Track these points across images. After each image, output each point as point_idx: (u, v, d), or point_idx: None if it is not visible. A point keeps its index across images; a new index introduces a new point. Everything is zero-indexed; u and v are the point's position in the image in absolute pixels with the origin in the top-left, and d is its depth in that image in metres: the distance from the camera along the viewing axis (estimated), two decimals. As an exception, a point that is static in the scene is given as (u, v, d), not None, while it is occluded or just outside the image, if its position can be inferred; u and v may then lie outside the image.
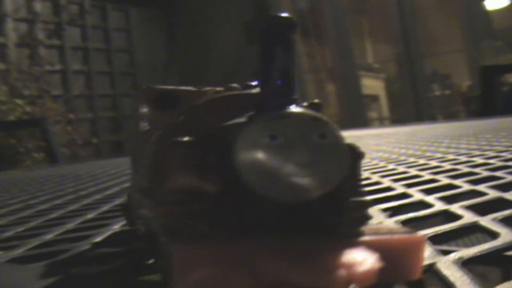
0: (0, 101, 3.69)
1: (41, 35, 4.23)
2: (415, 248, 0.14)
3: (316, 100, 0.17)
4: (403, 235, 0.14)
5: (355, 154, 0.15)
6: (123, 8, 4.87)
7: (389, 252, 0.14)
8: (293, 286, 0.12)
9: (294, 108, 0.14)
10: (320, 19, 5.00)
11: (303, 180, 0.13)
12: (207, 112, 0.16)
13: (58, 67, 4.34)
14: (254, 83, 0.21)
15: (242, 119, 0.14)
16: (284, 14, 0.15)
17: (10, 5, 4.01)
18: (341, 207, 0.15)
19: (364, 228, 0.15)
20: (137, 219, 0.23)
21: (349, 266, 0.12)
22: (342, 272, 0.12)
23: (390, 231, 0.15)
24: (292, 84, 0.15)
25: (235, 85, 0.22)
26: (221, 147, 0.14)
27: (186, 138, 0.14)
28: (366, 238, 0.14)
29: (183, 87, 0.24)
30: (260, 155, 0.13)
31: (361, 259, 0.12)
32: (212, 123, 0.16)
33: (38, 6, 4.21)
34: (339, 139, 0.14)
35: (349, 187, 0.15)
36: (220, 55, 4.78)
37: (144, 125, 0.24)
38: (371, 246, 0.13)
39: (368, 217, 0.16)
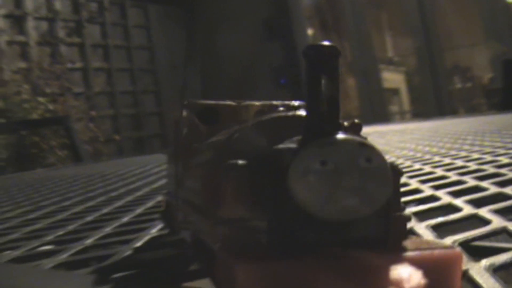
0: (23, 99, 3.75)
1: (61, 33, 4.28)
2: (454, 262, 0.15)
3: (356, 121, 0.18)
4: (443, 251, 0.15)
5: (396, 173, 0.17)
6: (142, 5, 4.90)
7: (431, 267, 0.15)
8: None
9: (341, 135, 0.15)
10: (339, 13, 4.98)
11: (353, 202, 0.15)
12: (257, 134, 0.18)
13: (79, 64, 4.38)
14: (296, 104, 0.22)
15: (292, 144, 0.16)
16: (329, 44, 0.16)
17: (30, 4, 4.06)
18: (387, 223, 0.16)
19: (407, 243, 0.16)
20: (181, 228, 0.24)
21: (398, 282, 0.13)
22: (392, 290, 0.13)
23: (430, 246, 0.16)
24: (337, 109, 0.16)
25: (276, 102, 0.23)
26: (274, 171, 0.15)
27: (240, 162, 0.16)
28: (410, 254, 0.15)
29: (224, 102, 0.25)
30: (312, 180, 0.14)
31: (408, 275, 0.13)
32: (261, 144, 0.17)
33: (58, 5, 4.26)
34: (384, 161, 0.15)
35: (392, 203, 0.16)
36: (238, 52, 4.79)
37: (187, 138, 0.25)
38: (415, 262, 0.14)
39: (409, 231, 0.17)
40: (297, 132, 0.17)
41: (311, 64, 0.16)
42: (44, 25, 4.19)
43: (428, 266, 0.15)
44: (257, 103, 0.24)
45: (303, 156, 0.15)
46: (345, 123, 0.18)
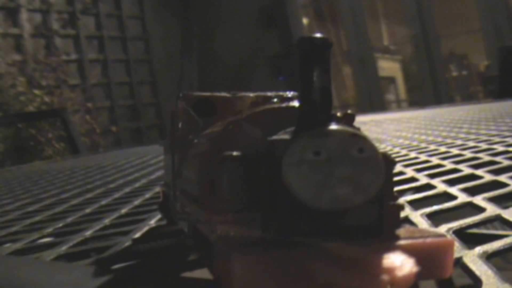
0: (19, 92, 3.74)
1: (55, 25, 4.26)
2: (446, 250, 0.16)
3: (349, 111, 0.19)
4: (435, 239, 0.16)
5: (389, 162, 0.17)
6: (136, -4, 4.88)
7: (423, 255, 0.15)
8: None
9: (333, 125, 0.15)
10: (335, 2, 4.97)
11: (346, 191, 0.15)
12: (251, 125, 0.18)
13: (74, 56, 4.37)
14: (290, 94, 0.22)
15: (286, 136, 0.16)
16: (320, 35, 0.16)
17: (23, -4, 4.05)
18: (380, 211, 0.16)
19: (400, 231, 0.16)
20: (179, 218, 0.24)
21: (390, 270, 0.13)
22: (385, 277, 0.13)
23: (423, 235, 0.16)
24: (329, 100, 0.16)
25: (270, 94, 0.23)
26: (268, 162, 0.15)
27: (235, 153, 0.16)
28: (402, 242, 0.15)
29: (219, 94, 0.26)
30: (306, 170, 0.15)
31: (400, 263, 0.14)
32: (256, 136, 0.18)
33: (51, -4, 4.25)
34: (376, 151, 0.16)
35: (385, 192, 0.16)
36: (235, 42, 4.78)
37: (183, 130, 0.25)
38: (408, 250, 0.15)
39: (402, 219, 0.17)
40: (290, 123, 0.17)
41: (303, 55, 0.16)
42: (37, 17, 4.17)
43: (420, 254, 0.15)
44: (251, 94, 0.25)
45: (296, 146, 0.15)
46: (338, 114, 0.18)
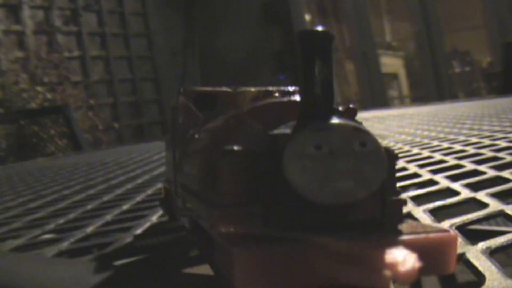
0: (21, 89, 3.75)
1: (58, 22, 4.27)
2: (449, 245, 0.16)
3: (351, 105, 0.18)
4: (438, 234, 0.16)
5: (391, 157, 0.17)
6: (138, -8, 4.88)
7: (426, 250, 0.15)
8: (343, 284, 0.14)
9: (335, 119, 0.15)
10: (337, -2, 4.96)
11: (348, 185, 0.15)
12: (252, 120, 0.18)
13: (76, 53, 4.38)
14: (291, 89, 0.22)
15: (287, 130, 0.16)
16: (322, 28, 0.16)
17: (25, -7, 4.05)
18: (382, 206, 0.16)
19: (402, 226, 0.16)
20: (181, 214, 0.24)
21: (393, 265, 0.13)
22: (387, 272, 0.13)
23: (425, 230, 0.16)
24: (331, 93, 0.16)
25: (271, 88, 0.23)
26: (270, 156, 0.15)
27: (236, 147, 0.16)
28: (405, 237, 0.15)
29: (220, 88, 0.26)
30: (307, 164, 0.15)
31: (403, 258, 0.13)
32: (257, 130, 0.17)
33: (53, -7, 4.25)
34: (378, 145, 0.15)
35: (388, 187, 0.16)
36: (238, 38, 4.77)
37: (184, 125, 0.25)
38: (410, 245, 0.14)
39: (405, 215, 0.17)
40: (292, 117, 0.17)
41: (305, 48, 0.16)
42: (40, 14, 4.17)
43: (423, 249, 0.15)
44: (252, 89, 0.24)
45: (298, 140, 0.15)
46: (340, 108, 0.18)
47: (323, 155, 0.15)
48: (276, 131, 0.16)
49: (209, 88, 0.26)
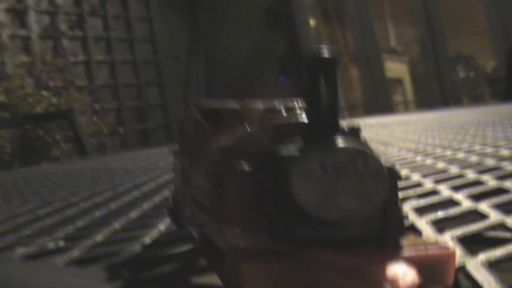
0: (27, 93, 3.76)
1: (63, 27, 4.28)
2: (448, 261, 0.16)
3: (355, 125, 0.19)
4: (437, 250, 0.16)
5: (393, 175, 0.17)
6: (143, -3, 4.90)
7: (425, 266, 0.16)
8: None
9: (340, 141, 0.16)
10: (341, 2, 4.97)
11: (352, 204, 0.16)
12: (260, 138, 0.19)
13: (81, 57, 4.39)
14: (297, 105, 0.23)
15: (294, 148, 0.17)
16: (328, 54, 0.17)
17: (31, -2, 4.07)
18: (384, 223, 0.17)
19: (403, 242, 0.17)
20: (189, 225, 0.25)
21: (393, 281, 0.14)
22: (388, 286, 0.14)
23: (425, 245, 0.17)
24: (336, 114, 0.17)
25: (277, 105, 0.24)
26: (277, 174, 0.16)
27: (245, 164, 0.17)
28: (406, 253, 0.16)
29: (228, 105, 0.26)
30: (313, 184, 0.15)
31: (403, 274, 0.14)
32: (265, 148, 0.18)
33: (58, -2, 4.27)
34: (380, 166, 0.16)
35: (390, 205, 0.17)
36: (241, 41, 4.78)
37: (193, 139, 0.26)
38: (410, 261, 0.15)
39: (407, 227, 0.18)
40: (297, 133, 0.18)
41: (311, 73, 0.17)
42: (45, 19, 4.19)
43: (422, 265, 0.15)
44: (259, 105, 0.25)
45: (304, 161, 0.16)
46: (345, 127, 0.19)
47: (329, 175, 0.15)
48: (284, 152, 0.17)
49: (216, 103, 0.26)
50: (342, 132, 0.17)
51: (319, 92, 0.17)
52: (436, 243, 0.17)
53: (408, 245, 0.17)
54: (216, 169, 0.19)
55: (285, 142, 0.18)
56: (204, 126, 0.26)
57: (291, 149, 0.17)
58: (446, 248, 0.17)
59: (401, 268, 0.14)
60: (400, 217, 0.17)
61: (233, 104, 0.26)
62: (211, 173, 0.19)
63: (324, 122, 0.17)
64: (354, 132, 0.18)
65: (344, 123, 0.19)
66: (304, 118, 0.19)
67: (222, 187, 0.17)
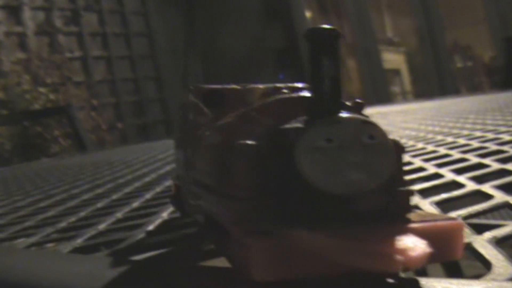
0: (24, 90, 3.75)
1: (58, 23, 4.27)
2: (457, 232, 0.16)
3: (358, 100, 0.19)
4: (446, 222, 0.16)
5: (398, 148, 0.17)
6: (138, -9, 4.89)
7: (435, 237, 0.15)
8: (356, 269, 0.14)
9: (344, 113, 0.16)
10: (338, -6, 4.96)
11: (358, 177, 0.15)
12: (263, 116, 0.18)
13: (78, 53, 4.38)
14: (299, 85, 0.23)
15: (298, 124, 0.16)
16: (329, 26, 0.17)
17: (26, -6, 4.05)
18: (391, 197, 0.17)
19: (411, 216, 0.17)
20: (193, 210, 0.25)
21: (404, 251, 0.14)
22: (398, 257, 0.13)
23: (434, 218, 0.17)
24: (339, 89, 0.17)
25: (280, 85, 0.24)
26: (282, 150, 0.16)
27: (249, 142, 0.16)
28: (414, 225, 0.16)
29: (229, 86, 0.26)
30: (318, 157, 0.15)
31: (413, 245, 0.14)
32: (268, 125, 0.18)
33: (53, -6, 4.25)
34: (386, 137, 0.16)
35: (396, 178, 0.17)
36: (239, 36, 4.77)
37: (194, 122, 0.26)
38: (419, 233, 0.15)
39: (413, 204, 0.18)
40: (301, 112, 0.17)
41: (313, 46, 0.17)
42: (41, 15, 4.17)
43: (431, 236, 0.15)
44: (261, 86, 0.25)
45: (309, 134, 0.15)
46: (348, 103, 0.19)
47: (334, 147, 0.15)
48: (287, 126, 0.17)
49: (217, 86, 0.26)
50: (346, 106, 0.17)
51: (321, 65, 0.16)
52: (443, 216, 0.17)
53: (416, 218, 0.17)
54: (220, 147, 0.19)
55: (288, 118, 0.18)
56: (204, 109, 0.25)
57: (294, 123, 0.17)
58: (454, 220, 0.16)
59: (411, 239, 0.14)
60: (407, 190, 0.17)
61: (234, 86, 0.26)
62: (215, 152, 0.19)
63: (327, 95, 0.16)
64: (358, 107, 0.18)
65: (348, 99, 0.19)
66: (306, 94, 0.19)
67: (227, 163, 0.17)
